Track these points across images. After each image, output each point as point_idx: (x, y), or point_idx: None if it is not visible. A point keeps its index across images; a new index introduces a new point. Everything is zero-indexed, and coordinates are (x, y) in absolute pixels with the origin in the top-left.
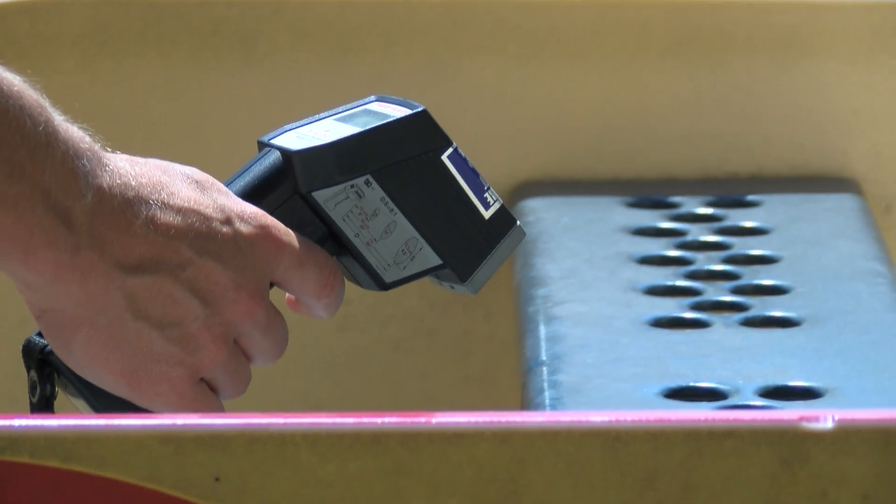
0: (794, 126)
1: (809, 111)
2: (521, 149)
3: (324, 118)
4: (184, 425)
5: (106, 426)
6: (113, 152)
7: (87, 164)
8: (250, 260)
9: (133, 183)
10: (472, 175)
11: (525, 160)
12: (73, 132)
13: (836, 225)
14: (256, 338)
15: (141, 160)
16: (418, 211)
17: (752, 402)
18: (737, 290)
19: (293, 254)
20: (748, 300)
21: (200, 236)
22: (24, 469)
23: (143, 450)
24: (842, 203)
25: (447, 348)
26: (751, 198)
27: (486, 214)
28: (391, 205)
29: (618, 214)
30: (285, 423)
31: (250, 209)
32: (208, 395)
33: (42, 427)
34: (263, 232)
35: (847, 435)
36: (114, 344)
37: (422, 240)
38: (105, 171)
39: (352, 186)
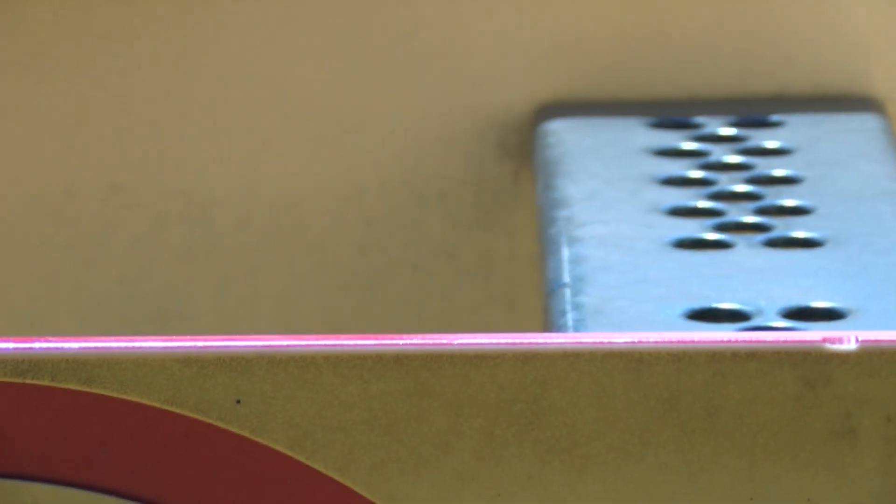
0: (816, 45)
1: (832, 30)
2: (541, 70)
3: None
4: (204, 347)
5: (127, 348)
6: None
7: None
8: None
9: None
10: None
11: (546, 82)
12: None
13: (859, 145)
14: None
15: None
16: None
17: (774, 324)
18: (759, 211)
19: None
20: (771, 221)
21: None
22: (46, 392)
23: (165, 372)
24: (865, 123)
25: (468, 268)
26: (773, 118)
27: None
28: None
29: (640, 135)
30: (307, 345)
31: None
32: None
33: (63, 349)
34: None
35: (870, 356)
36: None
37: None
38: None
39: None
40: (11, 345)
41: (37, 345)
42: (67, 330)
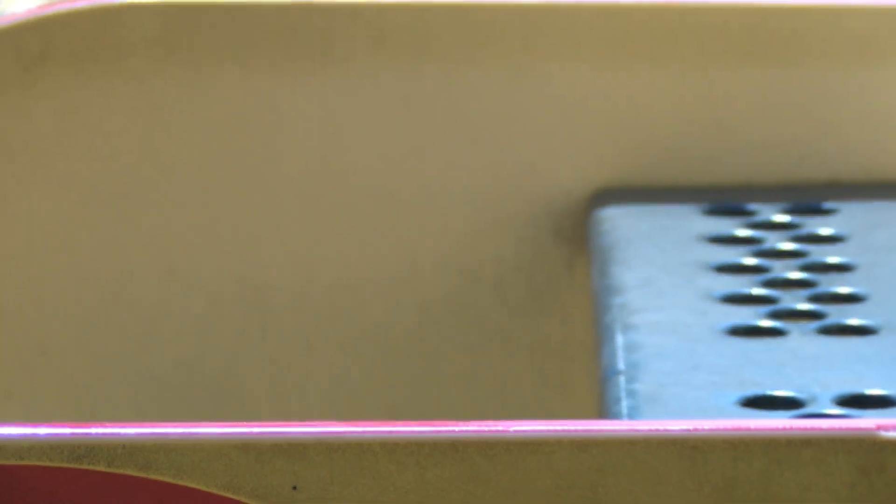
0: (870, 131)
1: (885, 116)
2: (597, 156)
3: None
4: (262, 433)
5: (184, 434)
6: None
7: None
8: None
9: None
10: None
11: (601, 168)
12: None
13: None
14: None
15: None
16: None
17: (829, 411)
18: (813, 298)
19: None
20: (825, 308)
21: None
22: (102, 477)
23: (222, 458)
24: None
25: (522, 352)
26: (827, 205)
27: None
28: None
29: (694, 222)
30: (364, 432)
31: None
32: None
33: (120, 435)
34: None
35: None
36: None
37: None
38: None
39: None
40: (68, 430)
41: (93, 430)
42: (122, 412)
